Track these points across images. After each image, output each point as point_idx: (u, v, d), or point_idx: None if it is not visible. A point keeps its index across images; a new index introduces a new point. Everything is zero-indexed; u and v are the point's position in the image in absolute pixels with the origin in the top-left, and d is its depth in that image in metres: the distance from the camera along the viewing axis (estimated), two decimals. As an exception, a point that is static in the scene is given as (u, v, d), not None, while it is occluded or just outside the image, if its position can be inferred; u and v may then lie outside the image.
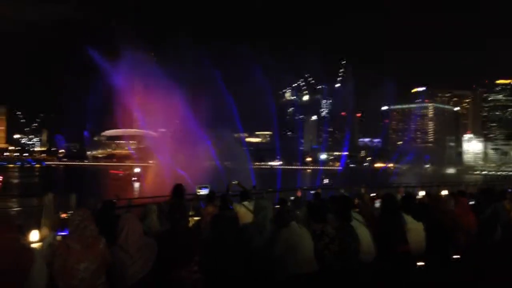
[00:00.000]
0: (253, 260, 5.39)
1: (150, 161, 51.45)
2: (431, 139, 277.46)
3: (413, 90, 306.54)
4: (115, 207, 8.38)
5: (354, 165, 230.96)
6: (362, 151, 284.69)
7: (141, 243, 4.64)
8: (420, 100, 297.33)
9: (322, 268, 5.47)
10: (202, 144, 48.70)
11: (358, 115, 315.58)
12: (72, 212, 4.33)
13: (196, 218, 9.28)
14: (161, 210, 7.81)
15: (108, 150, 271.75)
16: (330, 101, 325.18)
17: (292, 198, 12.36)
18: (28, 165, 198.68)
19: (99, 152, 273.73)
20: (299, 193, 15.21)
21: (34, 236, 6.50)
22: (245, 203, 8.41)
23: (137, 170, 56.01)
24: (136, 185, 44.93)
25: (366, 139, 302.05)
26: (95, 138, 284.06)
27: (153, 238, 4.97)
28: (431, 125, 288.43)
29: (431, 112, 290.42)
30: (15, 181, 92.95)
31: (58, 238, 6.57)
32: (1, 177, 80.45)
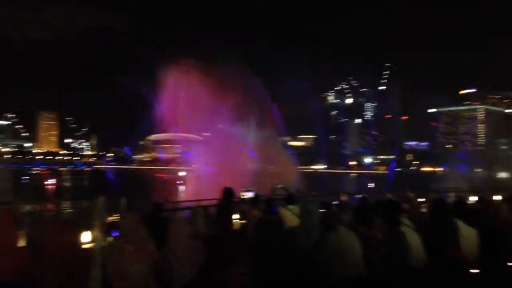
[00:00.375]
0: (299, 263, 5.36)
1: (194, 165, 51.95)
2: (482, 142, 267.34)
3: (461, 92, 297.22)
4: (163, 210, 8.54)
5: (401, 169, 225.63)
6: (408, 155, 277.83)
7: (189, 246, 4.71)
8: (469, 102, 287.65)
9: (369, 272, 5.39)
10: (246, 147, 48.88)
11: (404, 117, 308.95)
12: (120, 215, 4.44)
13: (241, 222, 9.32)
14: (207, 213, 7.90)
15: (154, 154, 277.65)
16: (375, 104, 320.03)
17: (335, 202, 12.21)
18: (79, 169, 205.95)
19: (145, 156, 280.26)
20: (344, 197, 15.00)
21: (86, 237, 6.72)
22: (290, 206, 8.38)
23: (182, 173, 56.87)
24: (182, 188, 45.56)
25: (413, 142, 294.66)
26: (141, 142, 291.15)
27: (201, 241, 5.03)
28: (481, 128, 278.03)
29: (481, 114, 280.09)
30: (67, 184, 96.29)
31: (108, 239, 6.77)
32: (55, 180, 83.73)
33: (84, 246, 5.89)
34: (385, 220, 6.20)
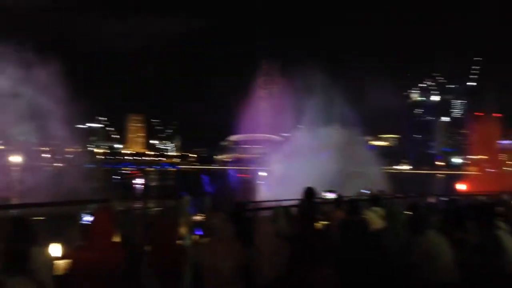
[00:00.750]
0: (387, 267, 5.19)
1: (274, 165, 52.21)
2: None
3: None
4: (247, 210, 8.68)
5: (494, 170, 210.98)
6: (502, 154, 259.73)
7: (274, 245, 4.74)
8: None
9: (462, 278, 5.11)
10: (327, 148, 48.30)
11: (498, 115, 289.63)
12: (210, 215, 4.58)
13: (323, 223, 9.23)
14: (289, 213, 7.91)
15: (234, 154, 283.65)
16: (465, 101, 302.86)
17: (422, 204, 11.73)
18: (164, 169, 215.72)
19: (226, 156, 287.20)
20: (432, 199, 14.38)
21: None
22: (376, 208, 8.17)
23: (262, 174, 57.48)
24: (263, 188, 46.09)
25: (507, 141, 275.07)
26: (222, 143, 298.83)
27: (285, 240, 5.04)
28: None
29: None
30: (153, 183, 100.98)
31: (195, 237, 7.00)
32: (142, 180, 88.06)
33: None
34: (479, 223, 5.85)
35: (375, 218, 7.59)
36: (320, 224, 8.84)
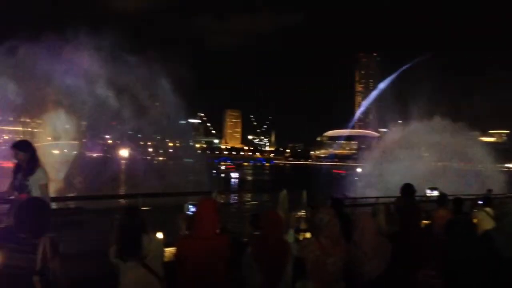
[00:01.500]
0: (500, 271, 4.82)
1: (370, 161, 50.72)
2: None
3: None
4: (343, 206, 8.53)
5: None
6: None
7: (376, 242, 4.61)
8: None
9: None
10: (429, 143, 45.87)
11: None
12: (318, 210, 4.54)
13: (425, 222, 8.81)
14: (389, 210, 7.65)
15: (330, 150, 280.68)
16: None
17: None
18: (260, 164, 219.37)
19: (321, 152, 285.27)
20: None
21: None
22: (487, 208, 7.64)
23: (359, 170, 56.28)
24: (359, 184, 45.11)
25: None
26: (318, 138, 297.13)
27: (386, 238, 4.88)
28: None
29: None
30: (249, 178, 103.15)
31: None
32: (237, 174, 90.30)
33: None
34: None
35: (485, 218, 7.10)
36: (422, 223, 8.46)
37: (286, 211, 8.99)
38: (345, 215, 6.87)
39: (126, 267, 3.99)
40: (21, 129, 39.35)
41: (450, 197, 9.33)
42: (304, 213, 9.17)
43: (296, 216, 8.78)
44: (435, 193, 10.33)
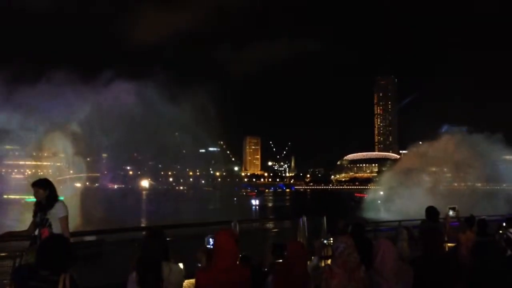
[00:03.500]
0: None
1: (390, 184, 49.93)
2: None
3: None
4: (365, 231, 8.40)
5: None
6: None
7: (397, 268, 4.49)
8: None
9: None
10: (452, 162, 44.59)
11: None
12: (334, 237, 4.48)
13: (450, 245, 8.60)
14: (411, 234, 7.51)
15: (351, 173, 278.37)
16: None
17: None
18: (280, 190, 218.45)
19: (342, 176, 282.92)
20: None
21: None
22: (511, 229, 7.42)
23: (381, 193, 55.56)
24: (381, 208, 44.43)
25: None
26: (338, 163, 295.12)
27: (408, 263, 4.76)
28: None
29: None
30: (270, 204, 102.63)
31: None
32: (257, 201, 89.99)
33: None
34: None
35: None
36: (446, 246, 8.26)
37: (306, 238, 8.88)
38: (366, 241, 6.75)
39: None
40: (43, 163, 40.07)
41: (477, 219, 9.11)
42: (332, 240, 9.03)
43: (323, 242, 8.66)
44: (451, 213, 10.03)
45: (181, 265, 5.95)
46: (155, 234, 4.25)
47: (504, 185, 44.47)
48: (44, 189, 6.18)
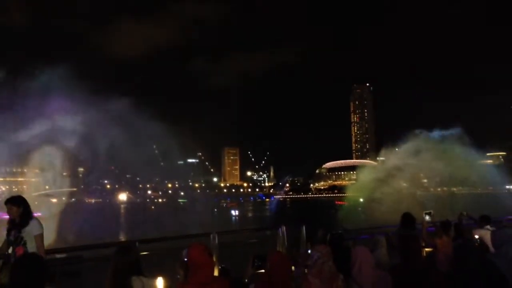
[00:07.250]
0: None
1: (368, 190, 50.26)
2: None
3: None
4: (344, 239, 8.45)
5: None
6: None
7: (375, 276, 4.52)
8: None
9: None
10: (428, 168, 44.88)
11: None
12: (312, 247, 4.49)
13: (427, 250, 8.70)
14: (390, 241, 7.57)
15: (329, 181, 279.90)
16: None
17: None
18: (259, 200, 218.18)
19: (321, 184, 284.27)
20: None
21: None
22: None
23: (361, 200, 55.90)
24: (361, 215, 44.67)
25: None
26: (317, 171, 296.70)
27: (386, 272, 4.80)
28: None
29: None
30: (250, 214, 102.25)
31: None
32: (237, 212, 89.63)
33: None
34: None
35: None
36: (423, 252, 8.35)
37: (285, 247, 8.88)
38: (345, 249, 6.78)
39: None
40: (18, 179, 39.24)
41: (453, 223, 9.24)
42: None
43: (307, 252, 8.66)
44: (427, 218, 10.14)
45: (160, 279, 5.89)
46: (122, 250, 4.22)
47: (479, 189, 45.28)
48: (18, 206, 6.05)
